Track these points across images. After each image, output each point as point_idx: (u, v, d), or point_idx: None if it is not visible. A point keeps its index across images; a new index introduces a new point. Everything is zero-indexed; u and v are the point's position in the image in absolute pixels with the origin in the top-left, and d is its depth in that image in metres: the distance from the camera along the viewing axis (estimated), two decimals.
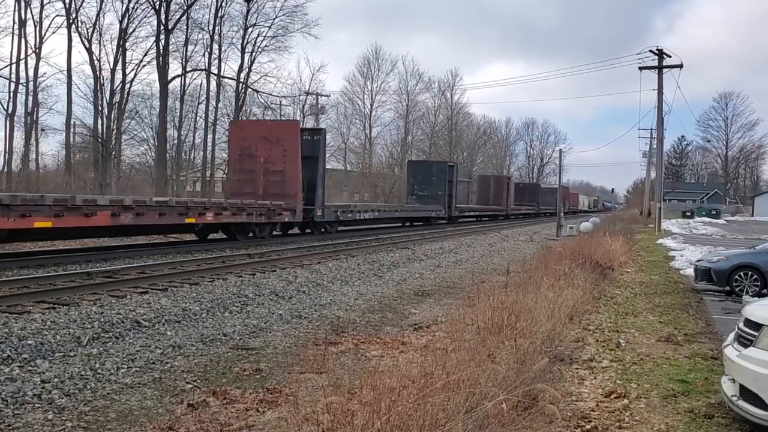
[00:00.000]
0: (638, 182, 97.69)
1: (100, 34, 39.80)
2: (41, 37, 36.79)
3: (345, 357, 7.31)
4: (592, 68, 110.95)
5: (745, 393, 4.92)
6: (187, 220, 17.27)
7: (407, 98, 70.69)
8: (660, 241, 28.09)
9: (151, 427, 5.06)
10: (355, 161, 70.78)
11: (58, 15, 37.94)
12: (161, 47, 40.35)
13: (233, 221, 19.18)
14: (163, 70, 40.62)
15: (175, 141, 48.64)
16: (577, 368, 6.73)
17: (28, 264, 13.17)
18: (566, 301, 8.54)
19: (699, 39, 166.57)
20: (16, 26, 35.91)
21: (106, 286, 10.81)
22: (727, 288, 12.76)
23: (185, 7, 41.36)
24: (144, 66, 42.40)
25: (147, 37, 42.02)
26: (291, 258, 16.45)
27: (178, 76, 43.79)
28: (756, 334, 5.05)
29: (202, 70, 44.59)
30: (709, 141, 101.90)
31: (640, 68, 37.04)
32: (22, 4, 35.71)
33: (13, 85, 35.74)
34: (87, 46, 38.81)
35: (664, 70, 36.58)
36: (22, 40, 35.69)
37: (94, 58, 38.92)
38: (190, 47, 43.80)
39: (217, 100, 46.10)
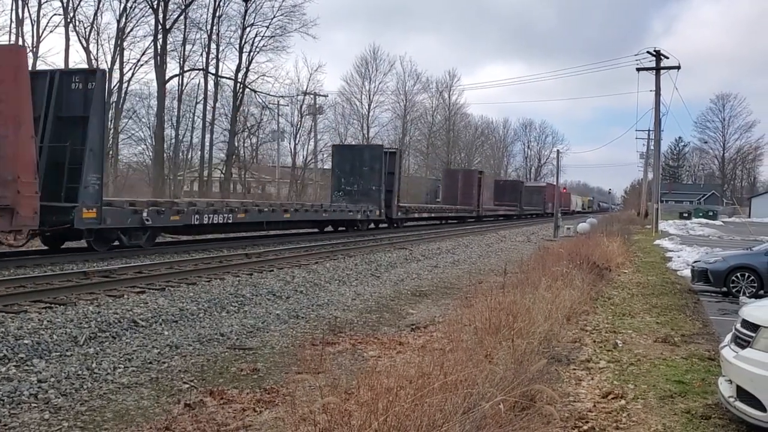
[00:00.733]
0: (635, 183, 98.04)
1: (98, 34, 39.99)
2: (39, 36, 36.93)
3: (342, 357, 7.31)
4: (591, 69, 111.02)
5: (742, 394, 4.93)
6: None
7: (405, 99, 70.86)
8: (657, 242, 28.14)
9: (147, 427, 5.05)
10: None
11: (55, 14, 38.07)
12: (159, 47, 40.36)
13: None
14: (160, 69, 40.61)
15: (173, 141, 48.66)
16: (575, 369, 6.74)
17: (25, 263, 13.15)
18: (564, 301, 8.54)
19: (696, 40, 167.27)
20: (13, 25, 36.02)
21: (103, 286, 10.79)
22: (724, 289, 12.78)
23: (183, 7, 41.44)
24: (141, 65, 42.59)
25: (145, 36, 42.16)
26: (288, 258, 16.45)
27: (175, 75, 43.87)
28: (753, 335, 5.06)
29: (199, 69, 44.66)
30: (706, 142, 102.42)
31: (638, 69, 37.20)
32: (20, 3, 35.84)
33: None
34: (84, 45, 38.92)
35: (662, 71, 36.74)
36: (20, 39, 35.70)
37: (92, 58, 39.06)
38: (188, 47, 43.94)
39: (215, 100, 46.25)
